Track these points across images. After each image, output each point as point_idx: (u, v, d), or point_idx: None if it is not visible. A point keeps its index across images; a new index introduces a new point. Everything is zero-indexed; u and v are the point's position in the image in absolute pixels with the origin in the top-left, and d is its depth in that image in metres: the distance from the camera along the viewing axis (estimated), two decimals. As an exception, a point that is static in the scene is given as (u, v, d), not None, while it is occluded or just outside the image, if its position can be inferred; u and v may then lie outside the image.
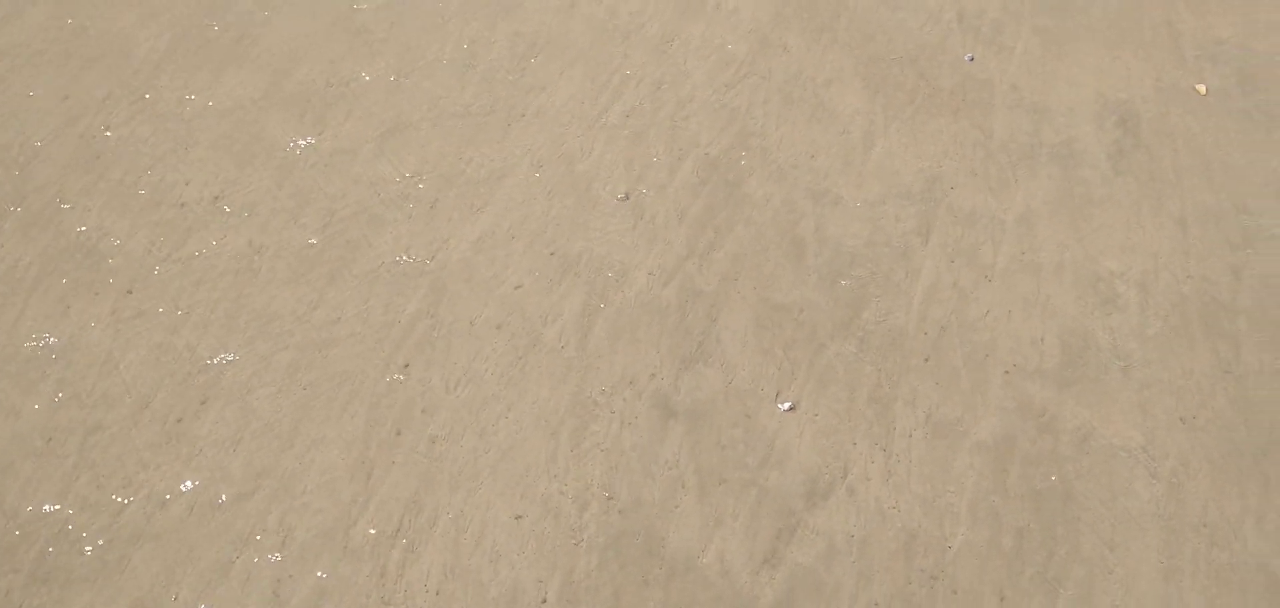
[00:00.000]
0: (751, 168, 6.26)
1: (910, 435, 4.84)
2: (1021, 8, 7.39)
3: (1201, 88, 6.56)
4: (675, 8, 7.53)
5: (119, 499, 4.66)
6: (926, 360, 5.17)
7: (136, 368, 5.19)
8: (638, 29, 7.37)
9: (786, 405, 4.99)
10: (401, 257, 5.74)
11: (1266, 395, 4.94)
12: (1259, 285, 5.43)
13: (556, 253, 5.77)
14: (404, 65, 7.06)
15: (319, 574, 4.41)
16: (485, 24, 7.43)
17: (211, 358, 5.23)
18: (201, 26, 7.39)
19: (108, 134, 6.51)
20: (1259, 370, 5.04)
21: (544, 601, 4.34)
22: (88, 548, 4.48)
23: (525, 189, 6.16)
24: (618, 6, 7.57)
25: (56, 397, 5.07)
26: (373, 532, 4.56)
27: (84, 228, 5.91)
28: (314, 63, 7.08)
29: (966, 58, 6.96)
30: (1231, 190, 5.94)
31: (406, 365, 5.20)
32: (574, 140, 6.48)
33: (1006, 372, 5.09)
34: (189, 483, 4.72)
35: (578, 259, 5.73)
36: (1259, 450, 4.72)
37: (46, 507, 4.62)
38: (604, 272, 5.66)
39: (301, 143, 6.47)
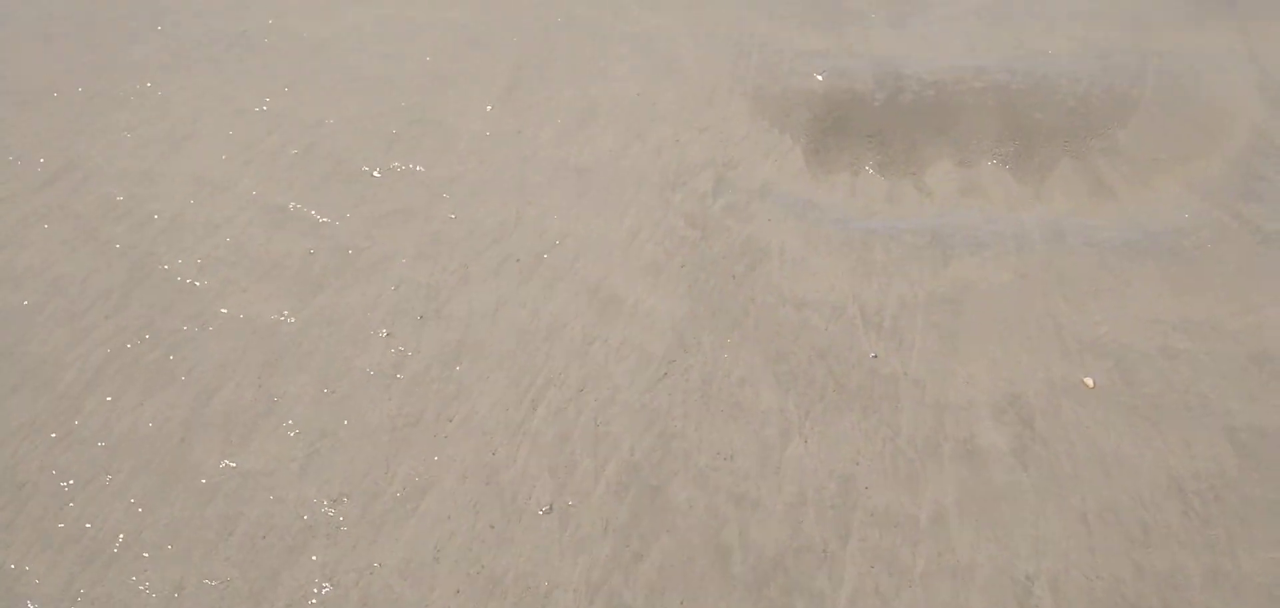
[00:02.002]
0: (674, 471, 6.44)
1: None
2: (917, 304, 7.86)
3: (1089, 381, 7.00)
4: (595, 309, 7.84)
5: None
6: (852, 674, 5.27)
7: (50, 724, 5.04)
8: (560, 330, 7.64)
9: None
10: (324, 586, 5.72)
11: (1176, 701, 5.12)
12: (1162, 583, 5.69)
13: (483, 571, 5.81)
14: (330, 376, 7.19)
15: None
16: (411, 330, 7.64)
17: (129, 707, 5.10)
18: (133, 345, 7.45)
19: (29, 465, 6.45)
20: (1167, 674, 5.24)
21: None
22: None
23: (451, 503, 6.23)
24: (540, 309, 7.86)
25: None
26: None
27: (1, 566, 5.78)
28: (241, 379, 7.17)
29: (871, 355, 7.34)
30: (1127, 484, 6.28)
31: (333, 705, 5.12)
32: (500, 448, 6.61)
33: (929, 685, 5.21)
34: None
35: (504, 576, 5.78)
36: None
37: None
38: (531, 589, 5.70)
39: (224, 465, 6.48)
